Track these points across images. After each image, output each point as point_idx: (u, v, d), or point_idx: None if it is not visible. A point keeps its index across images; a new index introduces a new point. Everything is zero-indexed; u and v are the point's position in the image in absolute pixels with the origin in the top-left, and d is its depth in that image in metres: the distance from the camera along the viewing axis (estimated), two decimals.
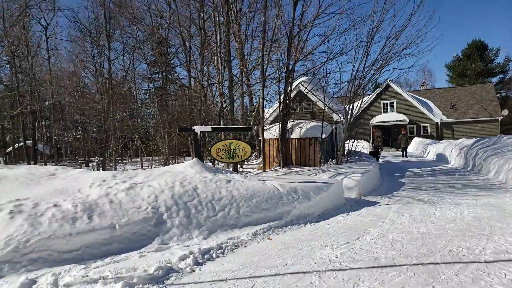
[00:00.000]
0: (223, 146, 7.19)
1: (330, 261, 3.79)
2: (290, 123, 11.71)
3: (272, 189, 6.04)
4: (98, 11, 22.66)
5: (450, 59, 62.49)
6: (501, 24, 75.92)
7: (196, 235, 4.67)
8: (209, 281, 3.37)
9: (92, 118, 26.02)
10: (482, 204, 6.38)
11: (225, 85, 11.96)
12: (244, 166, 13.58)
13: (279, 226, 5.33)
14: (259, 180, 6.50)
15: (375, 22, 10.89)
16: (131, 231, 4.37)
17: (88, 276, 3.41)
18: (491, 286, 3.07)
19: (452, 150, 15.73)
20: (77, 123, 31.82)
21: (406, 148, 21.49)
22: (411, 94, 35.11)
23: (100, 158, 21.26)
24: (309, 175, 8.84)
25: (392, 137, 31.30)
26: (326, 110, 12.27)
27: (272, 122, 13.83)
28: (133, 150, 25.97)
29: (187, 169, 6.32)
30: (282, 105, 11.42)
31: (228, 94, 11.91)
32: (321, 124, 11.43)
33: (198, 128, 7.18)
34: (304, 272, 3.50)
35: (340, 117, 12.96)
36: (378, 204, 6.96)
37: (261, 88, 11.86)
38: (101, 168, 19.94)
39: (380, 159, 16.65)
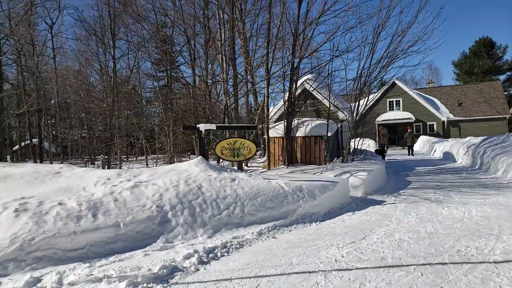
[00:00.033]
0: (228, 144, 7.15)
1: (336, 260, 3.75)
2: (295, 121, 11.64)
3: (277, 188, 6.00)
4: (103, 9, 22.74)
5: (457, 56, 62.03)
6: (509, 21, 75.08)
7: (201, 234, 4.64)
8: (214, 280, 3.35)
9: (97, 116, 26.18)
10: (491, 203, 6.28)
11: (229, 83, 11.92)
12: (249, 165, 13.57)
13: (284, 225, 5.28)
14: (264, 179, 6.46)
15: (381, 19, 10.77)
16: (136, 230, 4.36)
17: (92, 274, 3.40)
18: (500, 286, 3.01)
19: (459, 149, 15.55)
20: (82, 122, 32.01)
21: (412, 146, 21.31)
22: (417, 92, 34.86)
23: (105, 157, 21.34)
24: (314, 174, 8.78)
25: (398, 135, 31.08)
26: (331, 108, 12.18)
27: (277, 120, 13.77)
28: (138, 148, 26.05)
29: (192, 167, 6.30)
30: (287, 103, 11.35)
31: (232, 92, 11.87)
32: (326, 122, 11.34)
33: (202, 126, 7.16)
34: (309, 272, 3.46)
35: (345, 115, 12.87)
36: (385, 203, 6.89)
37: (265, 86, 11.80)
38: (106, 166, 20.03)
39: (386, 158, 16.53)
